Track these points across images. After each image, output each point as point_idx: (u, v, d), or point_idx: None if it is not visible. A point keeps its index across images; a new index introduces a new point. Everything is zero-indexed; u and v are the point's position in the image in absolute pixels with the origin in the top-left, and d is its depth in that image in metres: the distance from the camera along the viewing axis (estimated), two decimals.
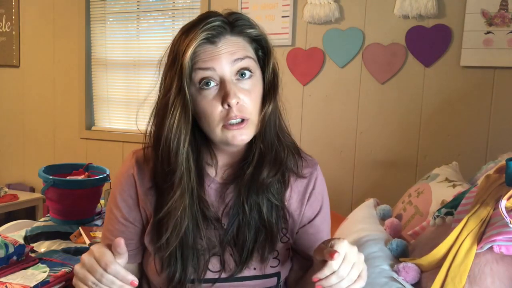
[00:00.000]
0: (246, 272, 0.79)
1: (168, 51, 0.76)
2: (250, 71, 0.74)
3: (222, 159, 0.82)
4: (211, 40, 0.72)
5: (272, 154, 0.78)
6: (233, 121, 0.72)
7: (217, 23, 0.72)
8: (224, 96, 0.71)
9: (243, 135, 0.73)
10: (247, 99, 0.73)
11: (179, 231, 0.75)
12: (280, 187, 0.81)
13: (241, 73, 0.73)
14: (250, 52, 0.76)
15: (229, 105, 0.71)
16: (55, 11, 2.95)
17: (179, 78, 0.72)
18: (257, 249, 0.78)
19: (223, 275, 0.79)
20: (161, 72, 0.77)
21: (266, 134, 0.77)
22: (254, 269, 0.79)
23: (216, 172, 0.82)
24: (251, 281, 0.80)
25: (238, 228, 0.79)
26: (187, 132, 0.73)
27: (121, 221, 0.82)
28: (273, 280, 0.82)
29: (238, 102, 0.72)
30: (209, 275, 0.78)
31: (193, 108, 0.74)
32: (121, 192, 0.82)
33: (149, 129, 0.79)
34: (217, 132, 0.73)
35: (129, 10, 2.76)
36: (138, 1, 2.73)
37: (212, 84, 0.72)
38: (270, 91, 0.77)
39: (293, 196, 0.84)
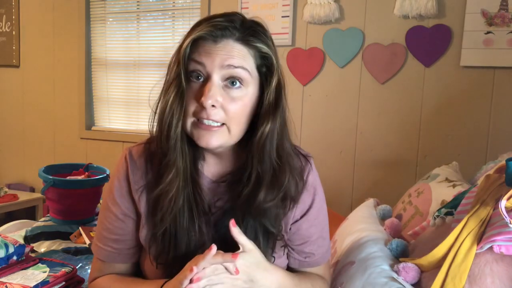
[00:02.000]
0: None
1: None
2: (240, 82, 0.73)
3: (212, 164, 0.83)
4: (213, 37, 0.72)
5: (270, 177, 0.76)
6: (205, 121, 0.72)
7: (226, 23, 0.72)
8: (202, 94, 0.71)
9: (210, 139, 0.73)
10: (228, 107, 0.72)
11: (173, 209, 0.75)
12: (279, 213, 0.78)
13: (231, 81, 0.73)
14: (249, 65, 0.74)
15: (203, 105, 0.71)
16: (55, 11, 2.95)
17: (178, 63, 0.73)
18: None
19: None
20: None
21: (264, 155, 0.75)
22: None
23: (209, 172, 0.83)
24: None
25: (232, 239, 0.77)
26: (180, 117, 0.73)
27: (120, 217, 0.83)
28: None
29: (214, 106, 0.71)
30: None
31: None
32: (118, 188, 0.83)
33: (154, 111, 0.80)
34: (188, 125, 0.74)
35: (129, 10, 2.76)
36: (138, 1, 2.73)
37: (201, 78, 0.73)
38: (269, 110, 0.75)
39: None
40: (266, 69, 0.76)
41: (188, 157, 0.77)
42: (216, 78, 0.72)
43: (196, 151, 0.80)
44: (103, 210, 0.86)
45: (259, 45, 0.74)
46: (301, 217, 0.84)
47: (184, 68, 0.72)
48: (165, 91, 0.75)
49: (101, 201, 1.79)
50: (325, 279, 0.90)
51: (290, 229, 0.84)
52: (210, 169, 0.83)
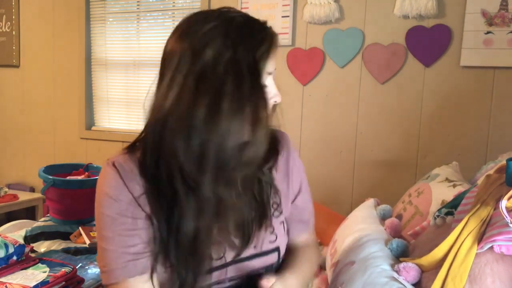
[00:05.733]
0: (247, 252, 0.81)
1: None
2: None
3: None
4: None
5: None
6: None
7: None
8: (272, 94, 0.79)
9: None
10: None
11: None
12: (267, 165, 0.85)
13: None
14: None
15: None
16: (55, 11, 2.95)
17: (258, 76, 0.73)
18: (255, 226, 0.81)
19: (227, 258, 0.80)
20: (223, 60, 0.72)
21: None
22: (254, 247, 0.81)
23: None
24: (252, 260, 0.82)
25: (233, 208, 0.79)
26: None
27: (137, 222, 0.76)
28: (274, 256, 0.85)
29: None
30: (214, 263, 0.80)
31: None
32: (120, 195, 0.75)
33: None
34: None
35: (129, 10, 2.76)
36: (138, 1, 2.73)
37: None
38: None
39: (278, 173, 0.88)
40: None
41: None
42: None
43: None
44: (108, 229, 0.76)
45: None
46: (298, 192, 0.93)
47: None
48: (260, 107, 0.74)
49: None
50: (313, 242, 1.00)
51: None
52: None
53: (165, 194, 0.75)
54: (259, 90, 0.73)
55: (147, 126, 0.78)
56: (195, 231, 0.75)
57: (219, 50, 0.71)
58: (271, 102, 0.78)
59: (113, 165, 0.77)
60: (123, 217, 0.75)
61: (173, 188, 0.74)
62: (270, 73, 0.77)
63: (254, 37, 0.74)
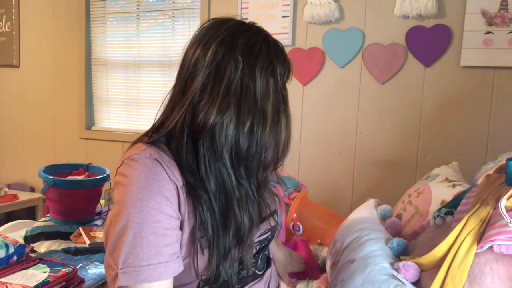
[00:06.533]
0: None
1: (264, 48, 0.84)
2: None
3: None
4: None
5: None
6: None
7: None
8: None
9: None
10: None
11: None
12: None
13: None
14: None
15: None
16: (55, 11, 2.95)
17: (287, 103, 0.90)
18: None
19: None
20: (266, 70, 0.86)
21: None
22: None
23: None
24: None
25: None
26: None
27: (174, 217, 0.72)
28: (275, 217, 0.93)
29: None
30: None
31: None
32: (161, 185, 0.71)
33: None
34: None
35: (129, 10, 2.77)
36: (138, 1, 2.73)
37: None
38: None
39: None
40: None
41: None
42: None
43: None
44: (141, 223, 0.68)
45: None
46: None
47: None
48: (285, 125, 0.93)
49: (101, 201, 1.79)
50: None
51: None
52: None
53: (207, 189, 0.75)
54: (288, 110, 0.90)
55: (180, 123, 0.77)
56: (251, 222, 0.79)
57: (265, 66, 0.84)
58: None
59: (150, 157, 0.73)
60: (161, 213, 0.70)
61: (224, 183, 0.77)
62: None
63: (283, 60, 0.89)
